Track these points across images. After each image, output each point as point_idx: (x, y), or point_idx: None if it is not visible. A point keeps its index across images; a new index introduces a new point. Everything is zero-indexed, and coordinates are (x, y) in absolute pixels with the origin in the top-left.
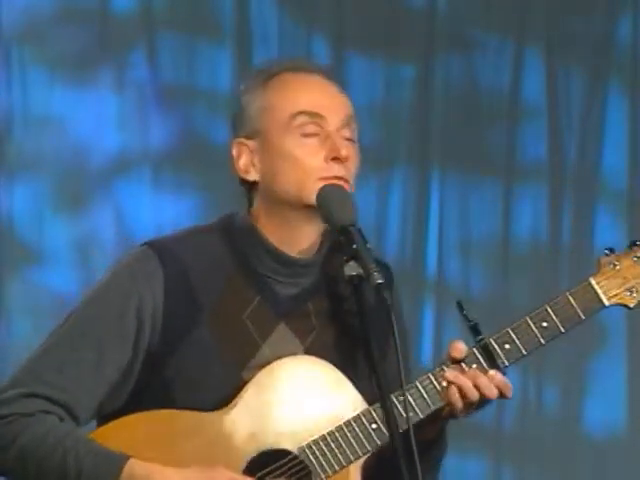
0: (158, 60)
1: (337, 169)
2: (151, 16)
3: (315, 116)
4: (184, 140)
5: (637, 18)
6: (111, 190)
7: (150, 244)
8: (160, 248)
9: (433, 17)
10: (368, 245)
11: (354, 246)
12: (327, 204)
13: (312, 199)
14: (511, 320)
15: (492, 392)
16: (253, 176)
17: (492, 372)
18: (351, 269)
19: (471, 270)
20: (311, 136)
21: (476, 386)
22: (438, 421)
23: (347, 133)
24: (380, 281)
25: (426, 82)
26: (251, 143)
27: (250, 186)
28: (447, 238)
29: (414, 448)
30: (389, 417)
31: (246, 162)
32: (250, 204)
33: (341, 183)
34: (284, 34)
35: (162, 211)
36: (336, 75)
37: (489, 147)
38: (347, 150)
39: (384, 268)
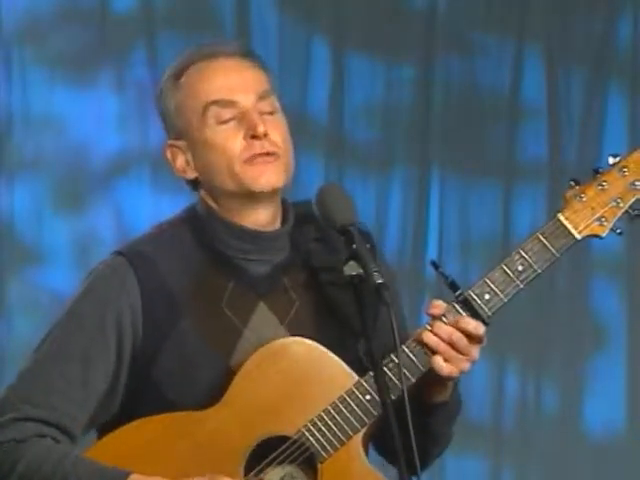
0: (158, 60)
1: (258, 146)
2: (151, 16)
3: (225, 103)
4: None
5: (637, 18)
6: (111, 190)
7: (119, 251)
8: (129, 253)
9: (433, 17)
10: (368, 245)
11: (354, 246)
12: (326, 204)
13: (248, 185)
14: (511, 320)
15: (476, 329)
16: (191, 174)
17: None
18: (351, 269)
19: (471, 270)
20: (228, 121)
21: (457, 329)
22: (443, 382)
23: (266, 107)
24: (380, 281)
25: (426, 82)
26: (181, 143)
27: (194, 183)
28: (447, 238)
29: (409, 415)
30: (380, 386)
31: (181, 162)
32: (201, 199)
33: (269, 160)
34: (284, 34)
35: (161, 211)
36: (336, 75)
37: (489, 147)
38: (265, 124)
39: (365, 236)
